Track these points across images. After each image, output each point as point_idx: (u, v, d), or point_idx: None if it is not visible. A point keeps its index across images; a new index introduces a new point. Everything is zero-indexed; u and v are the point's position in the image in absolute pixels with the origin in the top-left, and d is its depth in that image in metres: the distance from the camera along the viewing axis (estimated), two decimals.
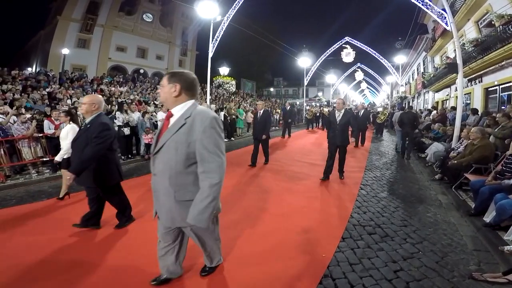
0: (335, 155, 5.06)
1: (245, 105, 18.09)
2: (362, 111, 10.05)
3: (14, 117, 5.89)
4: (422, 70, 18.70)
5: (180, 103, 1.62)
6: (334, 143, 5.02)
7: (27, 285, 2.14)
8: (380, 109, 18.99)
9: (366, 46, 21.45)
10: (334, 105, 5.35)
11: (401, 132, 7.58)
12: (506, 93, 8.23)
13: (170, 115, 1.65)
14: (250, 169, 6.04)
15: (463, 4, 9.75)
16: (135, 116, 7.25)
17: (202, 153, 1.51)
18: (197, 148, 1.51)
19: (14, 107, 6.64)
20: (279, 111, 17.41)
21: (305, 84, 22.56)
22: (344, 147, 5.06)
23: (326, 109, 15.36)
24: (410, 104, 20.22)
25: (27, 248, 2.68)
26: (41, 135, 5.77)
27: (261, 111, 6.22)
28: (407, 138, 7.39)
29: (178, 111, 1.62)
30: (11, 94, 9.32)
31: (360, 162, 6.89)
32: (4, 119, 5.64)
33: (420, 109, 16.55)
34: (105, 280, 2.19)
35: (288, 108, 13.10)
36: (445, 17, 6.83)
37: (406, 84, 24.43)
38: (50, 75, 14.47)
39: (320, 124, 16.28)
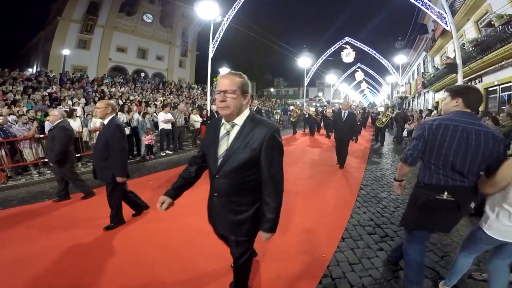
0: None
1: None
2: (347, 111, 6.23)
3: (13, 117, 5.92)
4: (422, 70, 18.70)
5: None
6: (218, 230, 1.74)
7: (28, 285, 2.16)
8: (381, 109, 16.36)
9: (366, 46, 21.49)
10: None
11: (397, 126, 10.59)
12: (506, 93, 8.23)
13: None
14: None
15: (462, 4, 9.76)
16: (135, 117, 7.28)
17: None
18: None
19: (6, 107, 6.66)
20: (279, 111, 17.24)
21: (305, 84, 22.57)
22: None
23: (329, 110, 11.69)
24: (409, 105, 21.63)
25: (28, 248, 2.70)
26: (42, 136, 5.80)
27: (107, 120, 2.95)
28: (400, 129, 10.26)
29: None
30: (12, 95, 9.38)
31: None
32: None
33: (421, 109, 16.53)
34: (109, 282, 2.21)
35: (255, 109, 9.68)
36: (445, 17, 6.85)
37: (406, 84, 24.42)
38: (51, 76, 14.52)
39: (314, 128, 12.58)
